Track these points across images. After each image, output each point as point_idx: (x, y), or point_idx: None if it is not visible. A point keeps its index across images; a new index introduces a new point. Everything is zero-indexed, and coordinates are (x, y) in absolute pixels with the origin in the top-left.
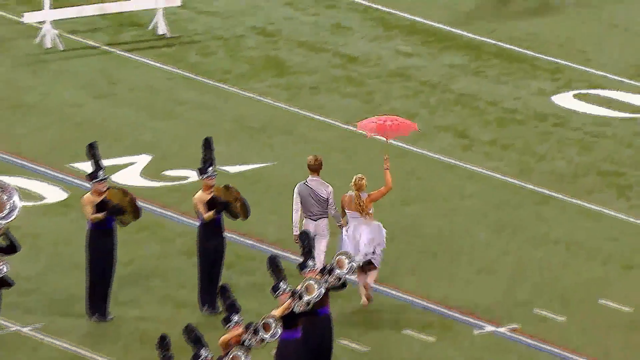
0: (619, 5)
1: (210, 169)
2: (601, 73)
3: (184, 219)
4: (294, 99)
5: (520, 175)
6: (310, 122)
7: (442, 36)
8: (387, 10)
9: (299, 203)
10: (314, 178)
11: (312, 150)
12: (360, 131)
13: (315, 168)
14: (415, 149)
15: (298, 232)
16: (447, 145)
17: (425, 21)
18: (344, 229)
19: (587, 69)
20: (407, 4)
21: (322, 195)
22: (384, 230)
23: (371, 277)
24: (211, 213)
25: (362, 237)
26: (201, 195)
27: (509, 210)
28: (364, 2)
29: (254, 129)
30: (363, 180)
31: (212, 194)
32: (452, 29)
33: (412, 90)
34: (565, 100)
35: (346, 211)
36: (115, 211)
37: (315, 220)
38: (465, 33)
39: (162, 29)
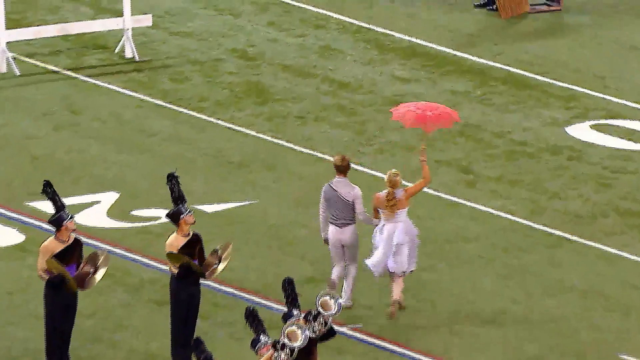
0: (635, 25)
1: (184, 207)
2: (621, 101)
3: (154, 264)
4: (279, 130)
5: (530, 216)
6: (297, 155)
7: (443, 60)
8: (382, 30)
9: (325, 205)
10: (340, 179)
11: (299, 187)
12: (396, 121)
13: (342, 169)
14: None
15: (326, 237)
16: (449, 181)
17: (424, 43)
18: (377, 227)
19: (606, 97)
20: (405, 24)
21: (347, 198)
22: (415, 230)
23: (397, 286)
24: (186, 258)
25: (395, 239)
26: (175, 238)
27: (518, 254)
28: (356, 21)
29: (234, 163)
30: (398, 176)
31: (188, 237)
32: (455, 52)
33: None
34: (581, 131)
35: (380, 211)
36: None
37: (340, 227)
38: (468, 56)
39: (130, 51)
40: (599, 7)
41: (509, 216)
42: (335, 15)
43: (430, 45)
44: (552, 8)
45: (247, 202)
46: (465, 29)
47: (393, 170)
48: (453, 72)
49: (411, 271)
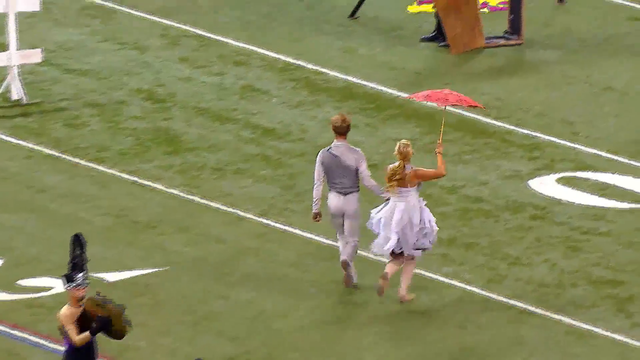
0: (614, 62)
1: (80, 276)
2: (592, 150)
3: (45, 343)
4: (193, 184)
5: (488, 285)
6: (214, 214)
7: (386, 102)
8: (314, 68)
9: (321, 174)
10: (340, 143)
11: (217, 252)
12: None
13: (342, 130)
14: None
15: (318, 210)
16: None
17: (363, 82)
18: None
19: (575, 146)
20: (340, 61)
21: (349, 163)
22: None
23: (406, 273)
24: (85, 335)
25: (395, 216)
26: (69, 311)
27: (475, 330)
28: (283, 57)
29: (140, 224)
30: (409, 147)
31: (83, 309)
32: (399, 93)
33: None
34: (547, 185)
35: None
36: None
37: (344, 195)
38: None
39: (17, 92)
40: (566, 41)
41: (464, 285)
42: (258, 50)
43: (370, 85)
44: (511, 42)
45: (155, 270)
46: (411, 66)
47: (404, 141)
48: (397, 116)
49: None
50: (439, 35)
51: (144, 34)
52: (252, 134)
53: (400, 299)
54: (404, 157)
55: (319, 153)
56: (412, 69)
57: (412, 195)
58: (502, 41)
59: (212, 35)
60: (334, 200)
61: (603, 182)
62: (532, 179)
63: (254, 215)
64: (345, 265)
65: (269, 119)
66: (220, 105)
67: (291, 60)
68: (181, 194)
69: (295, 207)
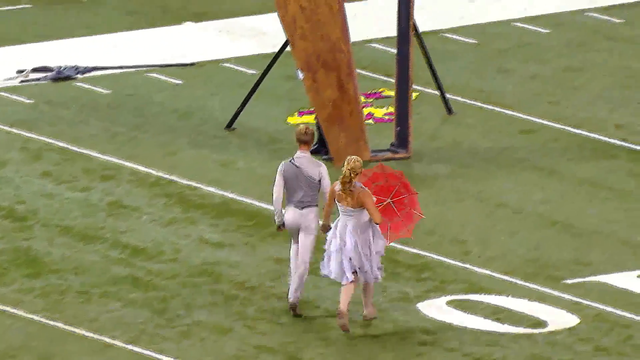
0: (507, 177)
1: None
2: (486, 271)
3: None
4: (55, 310)
5: None
6: (79, 342)
7: (265, 219)
8: (188, 182)
9: (281, 185)
10: (302, 154)
11: None
12: None
13: (305, 140)
14: None
15: (281, 221)
16: None
17: (241, 198)
18: (333, 224)
19: (466, 266)
20: (216, 175)
21: (312, 176)
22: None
23: (369, 291)
24: None
25: (348, 241)
26: None
27: None
28: (154, 171)
29: None
30: (359, 162)
31: None
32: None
33: (223, 296)
34: (437, 309)
35: (338, 204)
36: None
37: (300, 209)
38: None
39: None
40: (456, 154)
41: None
42: (127, 164)
43: (249, 200)
44: (398, 155)
45: None
46: None
47: (354, 157)
48: (277, 234)
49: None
50: (321, 147)
51: (2, 148)
52: (121, 254)
53: (366, 317)
54: (354, 171)
55: (281, 164)
56: None
57: (364, 215)
58: (389, 154)
59: (76, 148)
60: (291, 214)
61: (497, 305)
62: (421, 301)
63: (123, 343)
64: (294, 308)
65: (139, 237)
66: (86, 223)
67: (163, 175)
68: (43, 319)
69: (168, 334)
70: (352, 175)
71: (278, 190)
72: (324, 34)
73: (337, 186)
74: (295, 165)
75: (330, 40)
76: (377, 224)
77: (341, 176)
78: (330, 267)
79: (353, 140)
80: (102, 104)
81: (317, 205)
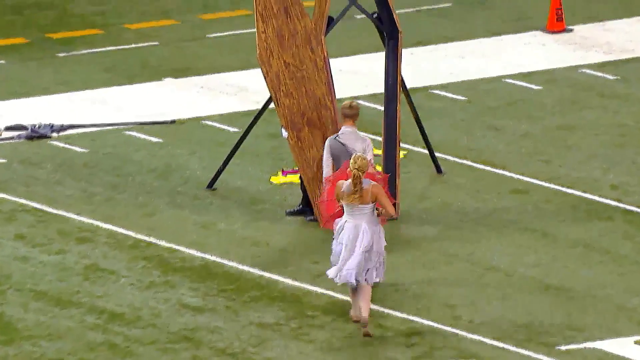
0: (497, 239)
1: None
2: (476, 337)
3: None
4: None
5: None
6: None
7: (247, 283)
8: (168, 245)
9: (330, 160)
10: (348, 129)
11: None
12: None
13: (349, 114)
14: None
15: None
16: None
17: (222, 261)
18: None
19: (456, 331)
20: (196, 237)
21: (358, 152)
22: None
23: (364, 296)
24: None
25: (366, 238)
26: None
27: None
28: (132, 233)
29: None
30: (365, 159)
31: None
32: (262, 273)
33: None
34: None
35: (346, 206)
36: None
37: None
38: (280, 278)
39: None
40: (445, 215)
41: None
42: (104, 225)
43: (230, 263)
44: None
45: None
46: (276, 242)
47: (359, 154)
48: (259, 298)
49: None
50: (306, 207)
51: None
52: (97, 319)
53: (364, 324)
54: (361, 169)
55: (327, 141)
56: (277, 246)
57: (373, 211)
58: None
59: (51, 210)
60: None
61: None
62: None
63: None
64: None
65: (117, 302)
66: (61, 288)
67: (142, 237)
68: None
69: None
70: (360, 174)
71: (328, 165)
72: (309, 90)
73: (344, 187)
74: (341, 143)
75: (315, 97)
76: (392, 216)
77: (351, 178)
78: (343, 272)
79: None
80: (79, 164)
81: None
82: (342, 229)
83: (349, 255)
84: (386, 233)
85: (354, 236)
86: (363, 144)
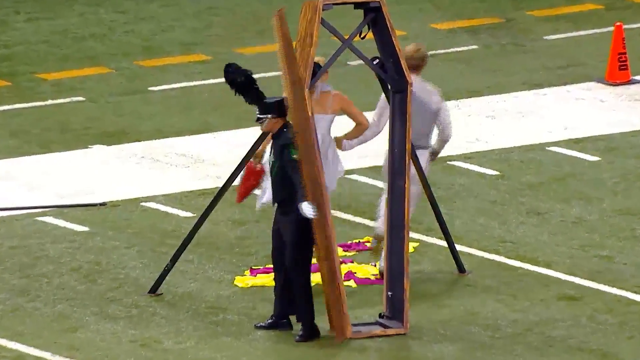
0: None
1: None
2: None
3: None
4: None
5: None
6: None
7: None
8: None
9: (386, 117)
10: (415, 78)
11: None
12: None
13: (415, 63)
14: None
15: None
16: None
17: None
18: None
19: None
20: (133, 358)
21: (430, 106)
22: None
23: None
24: None
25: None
26: None
27: None
28: (47, 354)
29: None
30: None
31: None
32: None
33: None
34: None
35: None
36: None
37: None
38: None
39: None
40: (469, 330)
41: None
42: (9, 344)
43: None
44: (390, 331)
45: None
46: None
47: None
48: None
49: None
50: (282, 320)
51: None
52: None
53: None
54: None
55: (382, 96)
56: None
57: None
58: (378, 330)
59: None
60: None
61: None
62: None
63: None
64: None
65: None
66: None
67: None
68: None
69: None
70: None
71: (376, 123)
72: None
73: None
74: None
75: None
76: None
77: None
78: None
79: (327, 309)
80: None
81: (428, 148)
82: None
83: None
84: (391, 353)
85: None
86: (435, 95)
